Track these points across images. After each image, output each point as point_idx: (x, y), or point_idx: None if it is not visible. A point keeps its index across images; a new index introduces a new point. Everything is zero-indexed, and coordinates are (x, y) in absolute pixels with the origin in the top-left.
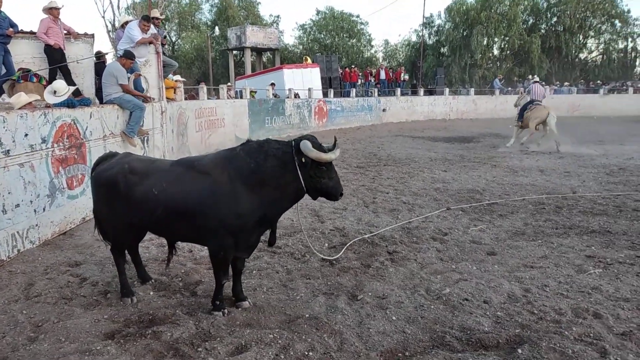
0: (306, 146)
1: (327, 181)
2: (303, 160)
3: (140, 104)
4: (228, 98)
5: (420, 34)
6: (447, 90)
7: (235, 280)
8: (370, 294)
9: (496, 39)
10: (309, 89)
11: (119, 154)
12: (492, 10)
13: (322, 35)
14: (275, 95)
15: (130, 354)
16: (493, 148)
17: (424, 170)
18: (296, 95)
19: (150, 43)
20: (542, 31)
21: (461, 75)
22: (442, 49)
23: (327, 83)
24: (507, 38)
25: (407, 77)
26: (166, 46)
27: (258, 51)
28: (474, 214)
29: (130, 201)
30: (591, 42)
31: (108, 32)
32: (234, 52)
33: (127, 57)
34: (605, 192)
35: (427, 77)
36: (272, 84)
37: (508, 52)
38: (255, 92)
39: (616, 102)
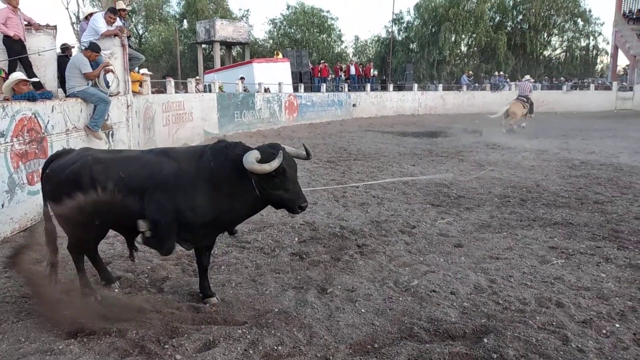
0: (246, 159)
1: (282, 193)
2: (250, 173)
3: (105, 97)
4: (196, 92)
5: (390, 30)
6: (415, 86)
7: (202, 277)
8: (339, 287)
9: (464, 36)
10: (279, 84)
11: (75, 149)
12: (460, 8)
13: (292, 30)
14: (244, 90)
15: (94, 353)
16: (460, 142)
17: (393, 164)
18: (266, 90)
19: (115, 35)
20: (508, 29)
21: (430, 71)
22: (411, 45)
23: (298, 78)
24: (475, 35)
25: (376, 72)
26: (132, 39)
27: (227, 45)
28: (442, 207)
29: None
30: (555, 40)
31: (72, 24)
32: (203, 45)
33: (92, 50)
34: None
35: (397, 72)
36: (242, 78)
37: (475, 48)
38: (222, 86)
39: (578, 98)
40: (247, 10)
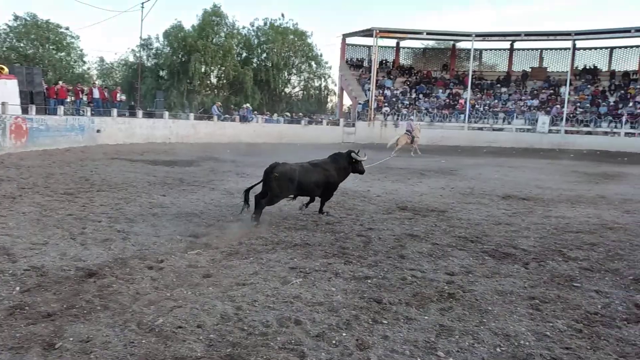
0: (354, 156)
1: (362, 168)
2: (354, 161)
3: None
4: None
5: (138, 55)
6: (166, 113)
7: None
8: (71, 339)
9: (213, 68)
10: (3, 104)
11: (280, 163)
12: (209, 40)
13: (21, 45)
14: None
15: None
16: (212, 172)
17: (141, 195)
18: None
19: None
20: (254, 65)
21: (181, 99)
22: (161, 72)
23: (28, 98)
24: (224, 68)
25: (124, 97)
26: None
27: None
28: (191, 237)
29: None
30: (294, 79)
31: None
32: None
33: None
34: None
35: (147, 99)
36: None
37: (225, 81)
38: None
39: (314, 132)
40: None
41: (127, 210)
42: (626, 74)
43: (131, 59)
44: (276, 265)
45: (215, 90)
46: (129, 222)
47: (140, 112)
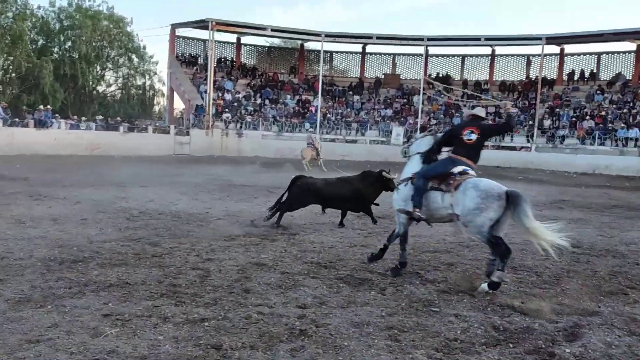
0: (385, 175)
1: (393, 185)
2: (384, 179)
3: None
4: None
5: None
6: None
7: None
8: None
9: None
10: None
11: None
12: None
13: None
14: None
15: None
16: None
17: None
18: None
19: None
20: (56, 56)
21: None
22: None
23: None
24: (12, 58)
25: None
26: None
27: None
28: None
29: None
30: (109, 75)
31: None
32: None
33: None
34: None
35: None
36: None
37: (14, 75)
38: None
39: (137, 141)
40: None
41: None
42: (478, 83)
43: None
44: (84, 313)
45: (1, 87)
46: None
47: None
